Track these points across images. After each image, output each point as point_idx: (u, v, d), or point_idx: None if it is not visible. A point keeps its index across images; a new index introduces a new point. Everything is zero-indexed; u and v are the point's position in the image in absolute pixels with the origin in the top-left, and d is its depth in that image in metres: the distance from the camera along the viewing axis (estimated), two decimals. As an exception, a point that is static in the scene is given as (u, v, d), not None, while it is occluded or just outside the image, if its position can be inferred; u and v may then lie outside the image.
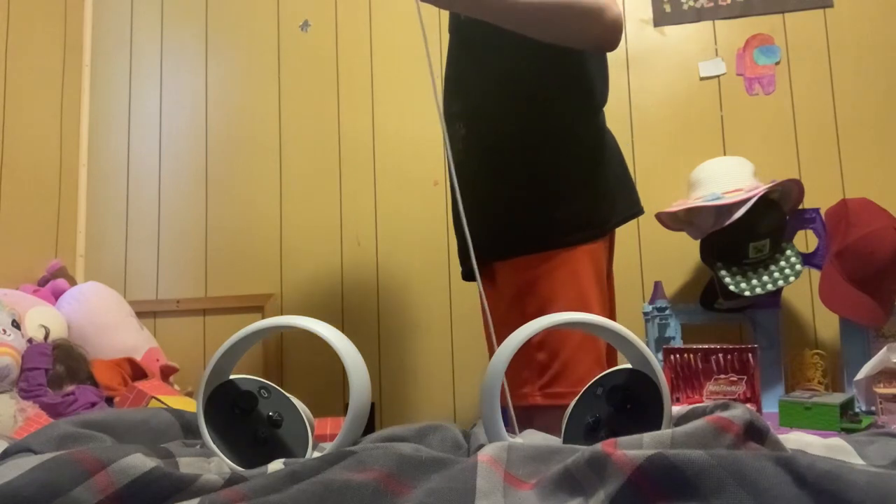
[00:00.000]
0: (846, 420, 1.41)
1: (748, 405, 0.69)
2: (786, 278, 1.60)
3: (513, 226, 1.14)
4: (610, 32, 1.07)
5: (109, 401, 1.60)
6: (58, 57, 2.23)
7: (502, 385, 0.63)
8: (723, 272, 1.63)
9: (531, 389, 1.07)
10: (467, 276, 1.32)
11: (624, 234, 1.21)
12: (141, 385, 1.61)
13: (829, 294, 1.59)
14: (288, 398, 0.68)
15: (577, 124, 1.17)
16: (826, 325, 1.78)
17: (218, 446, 0.62)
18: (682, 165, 1.79)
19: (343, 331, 0.67)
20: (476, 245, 1.18)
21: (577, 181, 1.15)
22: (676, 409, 0.60)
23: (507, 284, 1.14)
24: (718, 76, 1.97)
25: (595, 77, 1.20)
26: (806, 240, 1.77)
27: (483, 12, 1.05)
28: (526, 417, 1.19)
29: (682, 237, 1.74)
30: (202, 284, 2.20)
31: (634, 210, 1.25)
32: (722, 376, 1.53)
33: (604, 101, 1.23)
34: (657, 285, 1.75)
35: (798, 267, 1.61)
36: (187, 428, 0.69)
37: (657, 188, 1.87)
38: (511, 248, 1.13)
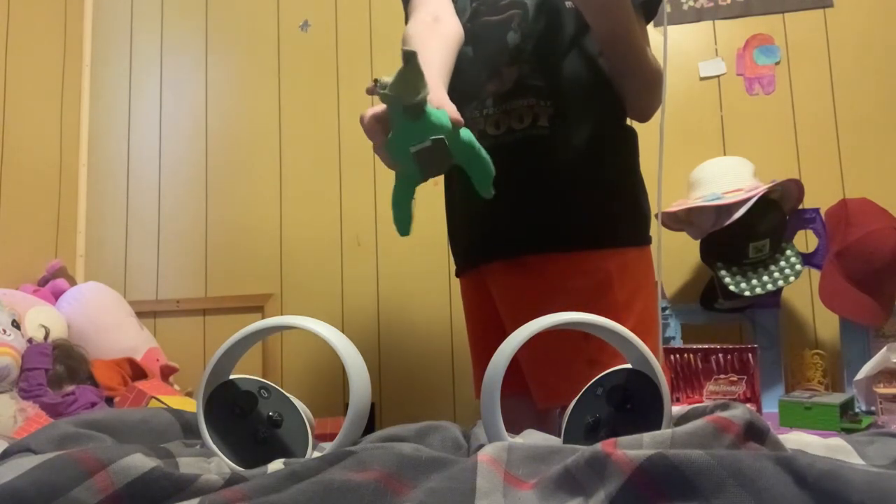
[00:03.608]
0: (846, 420, 1.41)
1: (748, 405, 0.69)
2: (786, 278, 1.60)
3: (603, 216, 1.11)
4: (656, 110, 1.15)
5: (109, 401, 1.60)
6: (58, 57, 2.23)
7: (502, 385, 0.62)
8: (723, 272, 1.63)
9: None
10: (462, 273, 1.29)
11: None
12: (141, 385, 1.61)
13: (829, 294, 1.59)
14: (288, 398, 0.68)
15: (632, 129, 1.20)
16: (826, 325, 1.78)
17: (218, 446, 0.62)
18: (683, 165, 1.79)
19: (343, 331, 0.66)
20: (527, 235, 1.11)
21: (641, 182, 1.19)
22: (676, 409, 0.60)
23: (570, 275, 1.09)
24: (718, 76, 1.97)
25: None
26: (806, 240, 1.77)
27: (619, 42, 1.06)
28: (551, 417, 1.17)
29: (682, 237, 1.74)
30: (202, 284, 2.20)
31: None
32: (722, 376, 1.53)
33: None
34: (657, 285, 1.75)
35: (798, 267, 1.61)
36: (187, 428, 0.69)
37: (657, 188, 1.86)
38: (593, 240, 1.10)
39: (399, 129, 0.76)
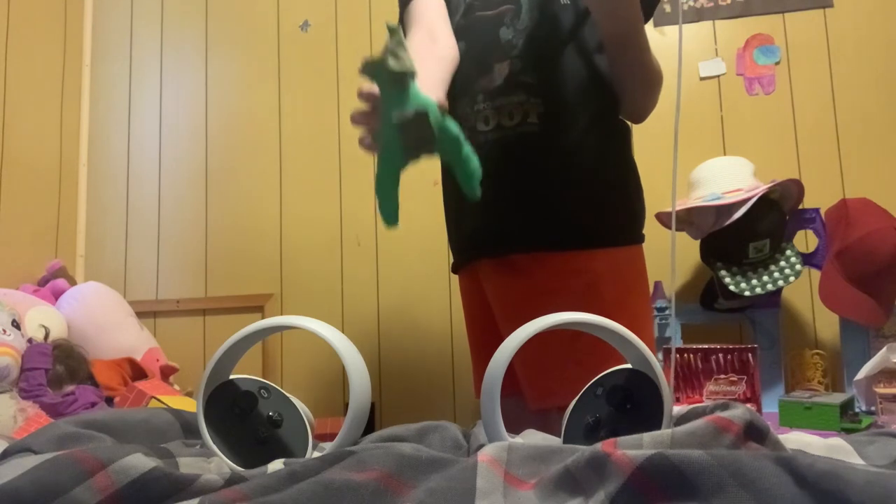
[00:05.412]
0: (846, 420, 1.41)
1: (748, 405, 0.69)
2: (786, 278, 1.60)
3: (593, 215, 1.09)
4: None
5: (109, 401, 1.60)
6: (58, 57, 2.23)
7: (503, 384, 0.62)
8: (723, 272, 1.63)
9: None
10: (458, 269, 1.29)
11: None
12: (141, 385, 1.61)
13: (829, 294, 1.59)
14: (288, 398, 0.68)
15: (626, 126, 1.19)
16: (826, 325, 1.78)
17: (218, 446, 0.62)
18: (683, 165, 1.78)
19: (343, 331, 0.66)
20: (514, 234, 1.10)
21: (636, 180, 1.18)
22: (676, 409, 0.60)
23: (558, 275, 1.08)
24: (718, 76, 1.97)
25: None
26: (806, 240, 1.77)
27: (628, 44, 1.07)
28: (551, 418, 1.17)
29: (682, 237, 1.74)
30: (202, 284, 2.20)
31: None
32: (722, 376, 1.53)
33: None
34: (657, 285, 1.75)
35: (798, 267, 1.61)
36: (187, 428, 0.69)
37: (657, 188, 1.86)
38: (582, 240, 1.08)
39: (385, 99, 0.74)
